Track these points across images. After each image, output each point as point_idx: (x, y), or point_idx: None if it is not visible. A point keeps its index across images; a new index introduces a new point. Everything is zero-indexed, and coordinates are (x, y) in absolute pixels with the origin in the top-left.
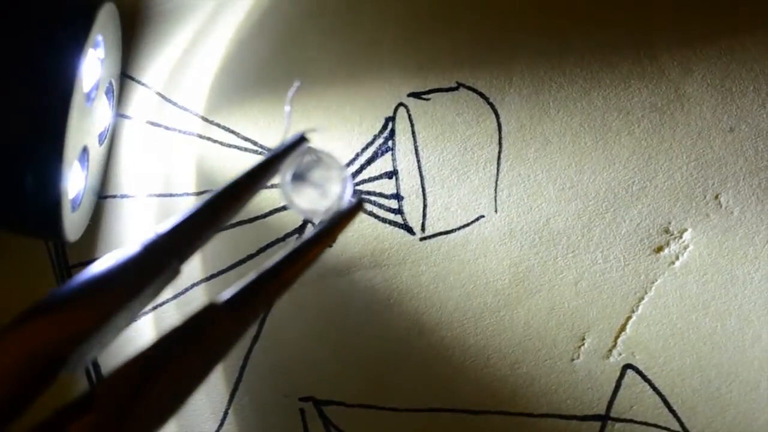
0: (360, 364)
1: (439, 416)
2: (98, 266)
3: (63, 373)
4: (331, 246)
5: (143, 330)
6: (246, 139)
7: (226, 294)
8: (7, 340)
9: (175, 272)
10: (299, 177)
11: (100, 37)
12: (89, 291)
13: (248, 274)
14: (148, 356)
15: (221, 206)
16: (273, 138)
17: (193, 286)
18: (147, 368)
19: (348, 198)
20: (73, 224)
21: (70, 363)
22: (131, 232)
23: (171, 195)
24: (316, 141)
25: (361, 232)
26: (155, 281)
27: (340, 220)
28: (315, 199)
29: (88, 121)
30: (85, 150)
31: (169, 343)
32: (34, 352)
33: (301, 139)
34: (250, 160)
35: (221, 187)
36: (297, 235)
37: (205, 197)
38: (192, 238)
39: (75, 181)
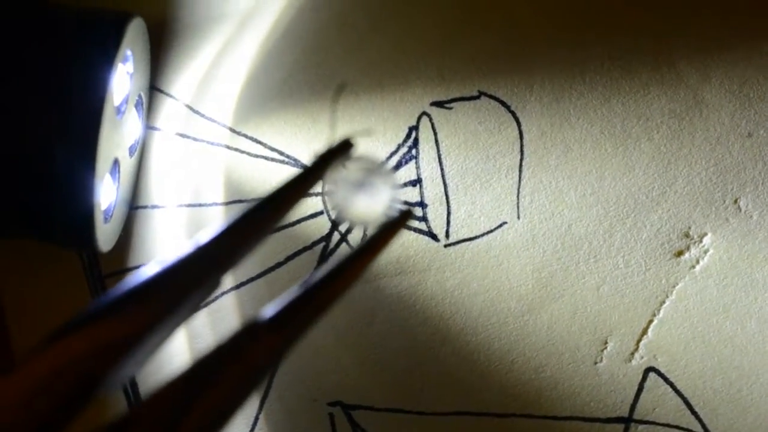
0: (387, 369)
1: (466, 419)
2: (135, 278)
3: (100, 392)
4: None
5: (177, 341)
6: (273, 149)
7: (269, 310)
8: (39, 358)
9: (215, 284)
10: (346, 184)
11: (129, 52)
12: (125, 305)
13: (292, 288)
14: (188, 376)
15: (263, 215)
16: (299, 148)
17: (222, 294)
18: (187, 389)
19: (395, 206)
20: (105, 235)
21: (106, 381)
22: (162, 241)
23: (200, 205)
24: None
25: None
26: (195, 294)
27: (388, 230)
28: (361, 207)
29: (118, 134)
30: (116, 162)
31: (210, 362)
32: (67, 369)
33: (347, 144)
34: (276, 170)
35: (263, 195)
36: (325, 243)
37: (247, 206)
38: (233, 248)
39: (107, 193)
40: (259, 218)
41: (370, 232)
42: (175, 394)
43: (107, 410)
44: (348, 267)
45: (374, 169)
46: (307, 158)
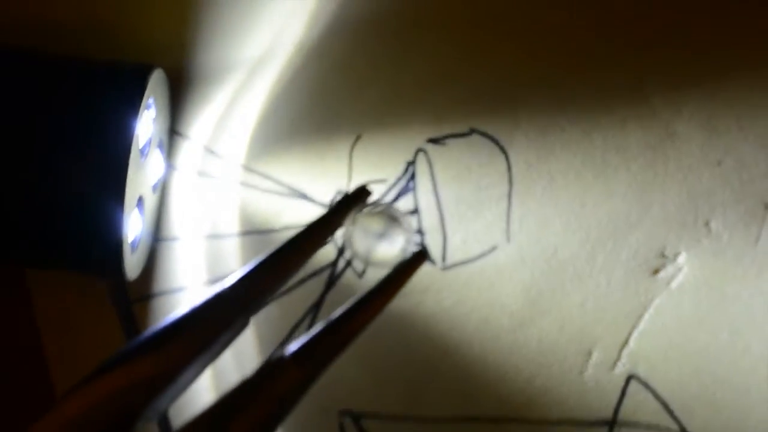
0: (392, 381)
1: (464, 426)
2: (167, 320)
3: (137, 425)
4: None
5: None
6: (282, 185)
7: (294, 346)
8: (84, 393)
9: (243, 325)
10: (365, 229)
11: (151, 100)
12: (160, 344)
13: (315, 326)
14: (218, 408)
15: (286, 259)
16: (307, 182)
17: None
18: (218, 420)
19: (411, 247)
20: (132, 264)
21: (143, 414)
22: (183, 269)
23: (217, 236)
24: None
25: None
26: (224, 334)
27: (405, 269)
28: (380, 249)
29: (143, 174)
30: (141, 198)
31: (238, 395)
32: (107, 404)
33: (363, 191)
34: (286, 203)
35: (286, 240)
36: (332, 269)
37: (270, 250)
38: (259, 290)
39: (133, 226)
40: (281, 262)
41: (386, 271)
42: (206, 426)
43: None
44: (366, 305)
45: (391, 213)
46: (313, 192)
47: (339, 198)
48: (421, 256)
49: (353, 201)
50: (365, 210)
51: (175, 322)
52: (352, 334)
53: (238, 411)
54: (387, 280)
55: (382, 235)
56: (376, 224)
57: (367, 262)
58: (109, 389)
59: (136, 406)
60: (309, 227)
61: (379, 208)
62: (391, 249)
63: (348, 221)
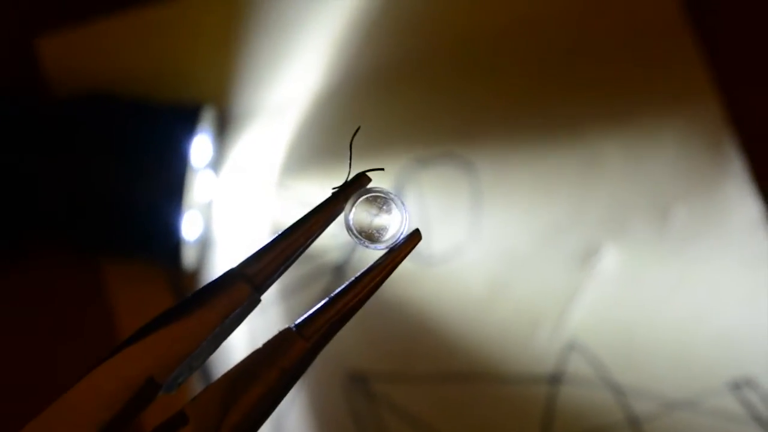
0: (386, 348)
1: (443, 382)
2: (186, 296)
3: (159, 394)
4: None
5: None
6: (304, 199)
7: (299, 320)
8: (109, 365)
9: (254, 301)
10: (363, 212)
11: (203, 129)
12: (175, 318)
13: (319, 301)
14: (231, 376)
15: (290, 240)
16: (323, 197)
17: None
18: (232, 386)
19: (407, 230)
20: (188, 259)
21: (164, 385)
22: (226, 265)
23: (254, 240)
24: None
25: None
26: (235, 309)
27: (401, 248)
28: (377, 226)
29: (198, 187)
30: (196, 207)
31: (250, 364)
32: (133, 374)
33: (362, 177)
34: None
35: (291, 224)
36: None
37: (276, 233)
38: (266, 269)
39: (190, 229)
40: (286, 243)
41: (384, 252)
42: (221, 391)
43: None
44: (364, 283)
45: (387, 197)
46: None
47: (339, 186)
48: (415, 235)
49: (352, 186)
50: (364, 195)
51: (189, 298)
52: (352, 309)
53: (250, 379)
54: (384, 259)
55: (378, 215)
56: (373, 206)
57: (366, 240)
58: (133, 361)
59: (157, 376)
60: (311, 211)
61: (375, 193)
62: (388, 227)
63: (348, 204)
